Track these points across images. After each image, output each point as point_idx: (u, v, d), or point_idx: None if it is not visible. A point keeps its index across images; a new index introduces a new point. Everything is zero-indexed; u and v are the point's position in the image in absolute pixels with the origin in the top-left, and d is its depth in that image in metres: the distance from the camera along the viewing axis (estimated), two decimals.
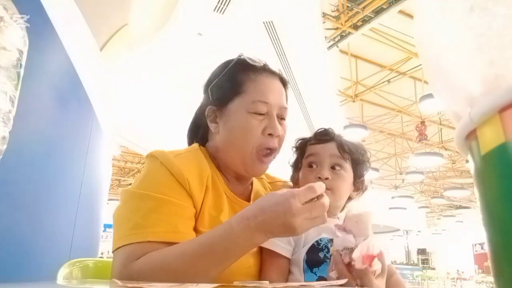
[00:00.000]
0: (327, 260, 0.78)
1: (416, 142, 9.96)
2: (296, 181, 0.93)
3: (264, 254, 0.83)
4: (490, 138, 0.25)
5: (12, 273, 1.56)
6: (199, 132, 0.95)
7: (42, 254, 1.86)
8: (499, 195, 0.24)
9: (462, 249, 20.53)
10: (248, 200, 0.91)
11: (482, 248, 18.67)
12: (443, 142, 10.08)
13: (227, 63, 0.89)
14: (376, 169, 10.77)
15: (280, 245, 0.81)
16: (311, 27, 5.29)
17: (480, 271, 17.68)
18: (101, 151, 2.74)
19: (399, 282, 0.92)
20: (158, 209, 0.73)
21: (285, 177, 1.06)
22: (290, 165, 0.96)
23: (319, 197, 0.65)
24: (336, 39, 5.85)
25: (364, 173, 0.94)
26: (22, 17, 1.14)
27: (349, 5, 5.46)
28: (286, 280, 0.80)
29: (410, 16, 5.63)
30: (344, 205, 0.94)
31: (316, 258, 0.79)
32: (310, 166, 0.89)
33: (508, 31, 0.24)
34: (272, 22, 4.81)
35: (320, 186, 0.66)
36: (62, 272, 0.91)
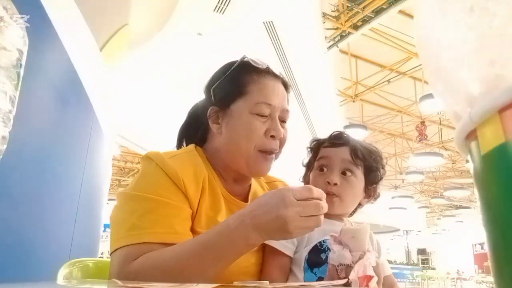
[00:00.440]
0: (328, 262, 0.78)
1: (416, 142, 9.96)
2: (307, 182, 0.93)
3: (266, 252, 0.83)
4: (490, 138, 0.25)
5: (12, 273, 1.56)
6: (197, 133, 0.95)
7: (42, 254, 1.86)
8: (499, 195, 0.24)
9: (462, 249, 20.54)
10: (246, 200, 0.91)
11: (482, 248, 18.67)
12: (443, 142, 10.08)
13: (230, 64, 0.89)
14: None
15: (282, 243, 0.81)
16: (311, 27, 5.29)
17: (480, 271, 17.68)
18: (101, 151, 2.74)
19: None
20: (154, 210, 0.73)
21: (283, 177, 1.06)
22: (303, 165, 0.96)
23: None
24: (336, 39, 5.85)
25: (377, 180, 0.91)
26: (22, 17, 1.14)
27: (349, 5, 5.46)
28: (287, 279, 0.81)
29: (410, 16, 5.63)
30: (355, 210, 0.94)
31: (318, 259, 0.79)
32: (321, 169, 0.88)
33: (508, 31, 0.24)
34: (272, 22, 4.81)
35: (318, 191, 0.65)
36: (62, 272, 0.91)
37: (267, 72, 0.87)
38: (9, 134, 1.17)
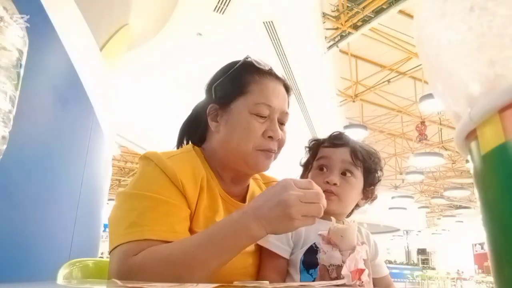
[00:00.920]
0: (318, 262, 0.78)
1: (416, 142, 9.96)
2: None
3: (263, 254, 0.83)
4: (490, 138, 0.25)
5: (12, 273, 1.56)
6: (197, 132, 0.95)
7: (42, 254, 1.86)
8: (499, 195, 0.24)
9: (462, 249, 20.53)
10: (244, 201, 0.91)
11: (482, 248, 18.67)
12: (443, 142, 10.08)
13: (233, 64, 0.89)
14: None
15: (279, 245, 0.81)
16: (311, 27, 5.29)
17: (480, 271, 17.68)
18: (101, 151, 2.74)
19: None
20: (154, 208, 0.73)
21: (283, 177, 1.05)
22: (301, 165, 0.95)
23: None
24: (336, 39, 5.85)
25: (376, 182, 0.92)
26: (22, 17, 1.15)
27: (349, 5, 5.46)
28: (284, 281, 0.80)
29: (410, 16, 5.63)
30: (351, 211, 0.93)
31: (313, 260, 0.78)
32: (321, 169, 0.88)
33: (508, 31, 0.24)
34: (272, 22, 4.81)
35: (318, 186, 0.67)
36: (62, 272, 0.91)
37: (269, 73, 0.87)
38: (9, 134, 1.17)
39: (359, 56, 7.25)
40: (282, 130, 0.87)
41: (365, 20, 5.46)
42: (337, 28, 5.70)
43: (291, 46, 5.36)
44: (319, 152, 0.91)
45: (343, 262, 0.68)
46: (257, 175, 1.00)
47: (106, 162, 3.00)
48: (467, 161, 0.29)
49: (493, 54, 0.25)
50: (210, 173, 0.86)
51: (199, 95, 0.97)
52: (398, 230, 20.48)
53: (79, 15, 2.27)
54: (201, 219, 0.78)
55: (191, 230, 0.77)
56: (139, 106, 6.77)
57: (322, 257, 0.71)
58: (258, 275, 0.82)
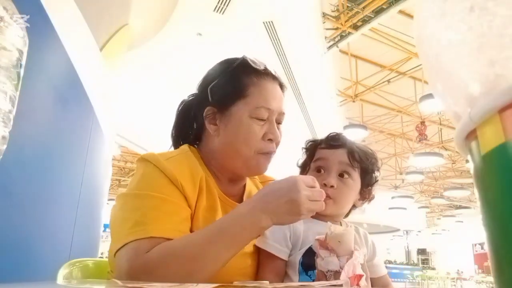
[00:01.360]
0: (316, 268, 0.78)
1: (416, 142, 9.96)
2: None
3: (261, 256, 0.83)
4: (490, 138, 0.25)
5: (12, 273, 1.56)
6: (191, 132, 0.93)
7: (42, 254, 1.86)
8: (499, 195, 0.24)
9: (462, 249, 20.52)
10: (240, 201, 0.90)
11: (482, 248, 18.67)
12: (443, 142, 10.08)
13: (228, 63, 0.88)
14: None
15: (277, 247, 0.81)
16: (311, 27, 5.29)
17: (480, 271, 17.68)
18: (101, 151, 2.74)
19: None
20: (158, 207, 0.73)
21: (282, 177, 1.05)
22: (298, 166, 0.95)
23: None
24: (336, 39, 5.85)
25: (373, 182, 0.92)
26: (22, 17, 1.14)
27: (349, 5, 5.46)
28: (283, 282, 0.80)
29: (410, 16, 5.63)
30: (349, 212, 0.93)
31: (312, 262, 0.78)
32: (318, 170, 0.88)
33: (508, 31, 0.24)
34: (272, 22, 4.81)
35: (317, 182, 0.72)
36: (62, 272, 0.92)
37: (266, 73, 0.86)
38: (9, 134, 1.17)
39: (359, 56, 7.25)
40: (278, 129, 0.87)
41: (365, 20, 5.46)
42: (337, 28, 5.70)
43: (291, 46, 5.36)
44: (316, 153, 0.91)
45: (341, 267, 0.68)
46: None
47: (106, 162, 3.00)
48: (467, 161, 0.29)
49: (493, 54, 0.25)
50: (207, 173, 0.86)
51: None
52: (398, 230, 20.48)
53: (79, 15, 2.27)
54: (201, 219, 0.78)
55: (191, 231, 0.76)
56: (139, 106, 6.77)
57: (319, 263, 0.71)
58: (257, 277, 0.82)
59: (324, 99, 7.23)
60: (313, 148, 0.93)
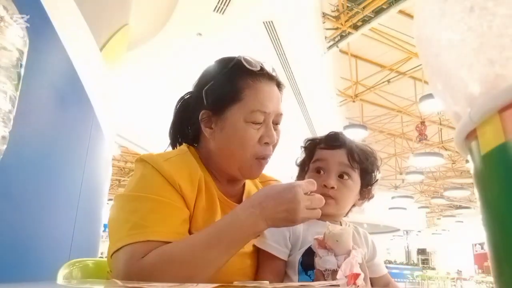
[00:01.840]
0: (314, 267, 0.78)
1: (416, 142, 9.96)
2: None
3: (260, 256, 0.82)
4: (490, 138, 0.25)
5: (12, 273, 1.56)
6: (189, 132, 0.93)
7: (42, 254, 1.86)
8: (499, 195, 0.24)
9: (462, 249, 20.52)
10: (240, 201, 0.89)
11: (482, 248, 18.66)
12: (443, 142, 10.08)
13: (223, 65, 0.86)
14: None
15: (276, 247, 0.80)
16: (311, 27, 5.29)
17: (480, 271, 17.68)
18: (101, 151, 2.74)
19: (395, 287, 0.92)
20: (156, 210, 0.72)
21: (282, 177, 1.05)
22: (297, 165, 0.94)
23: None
24: (336, 39, 5.85)
25: (373, 182, 0.91)
26: (22, 17, 1.14)
27: (349, 5, 5.46)
28: (282, 282, 0.80)
29: (410, 16, 5.63)
30: (348, 211, 0.93)
31: (312, 262, 0.78)
32: (318, 171, 0.87)
33: (508, 31, 0.24)
34: (272, 22, 4.81)
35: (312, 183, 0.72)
36: (62, 272, 0.92)
37: (262, 74, 0.84)
38: (9, 134, 1.17)
39: (359, 56, 7.25)
40: (276, 129, 0.85)
41: (365, 20, 5.46)
42: (337, 28, 5.70)
43: (291, 46, 5.36)
44: (315, 153, 0.89)
45: (339, 266, 0.68)
46: None
47: (106, 162, 3.00)
48: (467, 161, 0.29)
49: (493, 54, 0.25)
50: (206, 174, 0.85)
51: None
52: (398, 230, 20.47)
53: (79, 15, 2.27)
54: (200, 220, 0.78)
55: (190, 232, 0.76)
56: (139, 106, 6.77)
57: (317, 262, 0.71)
58: (257, 277, 0.81)
59: (324, 99, 7.23)
60: (312, 147, 0.91)
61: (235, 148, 0.81)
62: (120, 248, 0.69)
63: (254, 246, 0.83)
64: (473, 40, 0.26)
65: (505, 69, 0.24)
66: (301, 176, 0.92)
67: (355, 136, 7.29)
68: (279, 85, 0.88)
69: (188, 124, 0.93)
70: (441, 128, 9.81)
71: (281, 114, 0.86)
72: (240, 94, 0.81)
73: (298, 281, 0.78)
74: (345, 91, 7.98)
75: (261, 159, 0.84)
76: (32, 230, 1.81)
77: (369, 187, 0.91)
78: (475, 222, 16.18)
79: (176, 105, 0.96)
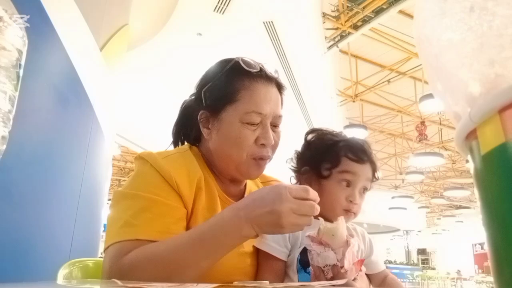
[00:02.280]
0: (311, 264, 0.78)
1: (416, 142, 9.96)
2: (312, 184, 0.86)
3: (260, 256, 0.82)
4: (490, 138, 0.25)
5: (12, 273, 1.56)
6: (191, 133, 0.94)
7: (42, 254, 1.86)
8: (499, 195, 0.24)
9: (462, 249, 20.53)
10: None
11: (482, 248, 18.67)
12: (443, 142, 10.08)
13: (222, 66, 0.86)
14: None
15: (275, 247, 0.80)
16: (311, 27, 5.29)
17: (480, 271, 17.69)
18: (101, 151, 2.74)
19: (394, 279, 0.92)
20: (149, 209, 0.72)
21: (283, 177, 1.05)
22: (307, 159, 0.89)
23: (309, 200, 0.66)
24: (336, 39, 5.85)
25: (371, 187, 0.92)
26: (22, 17, 1.15)
27: (349, 5, 5.46)
28: (282, 282, 0.80)
29: (410, 16, 5.63)
30: None
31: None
32: (346, 184, 0.84)
33: (508, 31, 0.24)
34: (272, 22, 4.81)
35: (314, 193, 0.66)
36: (62, 272, 0.92)
37: (260, 76, 0.83)
38: (9, 134, 1.17)
39: (359, 56, 7.25)
40: (275, 132, 0.85)
41: (365, 20, 5.47)
42: (337, 28, 5.70)
43: (291, 46, 5.36)
44: (343, 162, 0.85)
45: (338, 260, 0.68)
46: None
47: (106, 162, 3.00)
48: (467, 161, 0.29)
49: (493, 54, 0.25)
50: (208, 173, 0.86)
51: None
52: (398, 230, 20.47)
53: (79, 15, 2.27)
54: (200, 219, 0.78)
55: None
56: (139, 106, 6.77)
57: (316, 259, 0.70)
58: (257, 277, 0.81)
59: (324, 99, 7.23)
60: (335, 152, 0.86)
61: (231, 149, 0.81)
62: (110, 245, 0.70)
63: (254, 246, 0.83)
64: (473, 40, 0.26)
65: (505, 69, 0.24)
66: (311, 176, 0.87)
67: (355, 136, 7.28)
68: (279, 87, 0.88)
69: (189, 124, 0.93)
70: (441, 128, 9.82)
71: (279, 116, 0.85)
72: (236, 95, 0.81)
73: (298, 279, 0.78)
74: (345, 91, 7.98)
75: (259, 160, 0.83)
76: (32, 230, 1.81)
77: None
78: (475, 222, 16.19)
79: (182, 105, 0.97)
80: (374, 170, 0.86)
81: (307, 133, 0.95)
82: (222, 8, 4.48)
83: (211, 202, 0.82)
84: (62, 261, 0.96)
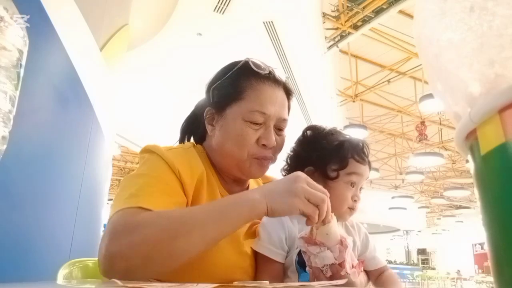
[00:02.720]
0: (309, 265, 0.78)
1: (416, 142, 9.96)
2: (324, 177, 0.86)
3: (258, 259, 0.82)
4: (490, 138, 0.25)
5: (12, 273, 1.57)
6: (198, 131, 0.95)
7: (42, 254, 1.86)
8: (499, 195, 0.24)
9: (462, 249, 20.53)
10: None
11: (482, 248, 18.67)
12: (443, 142, 10.08)
13: (232, 65, 0.88)
14: (376, 169, 10.77)
15: (272, 249, 0.80)
16: (311, 27, 5.29)
17: (480, 271, 17.69)
18: (101, 151, 2.74)
19: (391, 275, 0.92)
20: (154, 184, 0.73)
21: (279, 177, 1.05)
22: (311, 160, 0.88)
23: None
24: (336, 39, 5.85)
25: None
26: (22, 17, 1.15)
27: (349, 5, 5.46)
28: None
29: (410, 16, 5.63)
30: None
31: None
32: (351, 185, 0.87)
33: (508, 31, 0.24)
34: (272, 22, 4.81)
35: (327, 192, 0.69)
36: (62, 272, 0.92)
37: (267, 77, 0.85)
38: (9, 134, 1.17)
39: (359, 56, 7.26)
40: (280, 135, 0.86)
41: (365, 20, 5.47)
42: (337, 28, 5.70)
43: (291, 46, 5.36)
44: (350, 164, 0.86)
45: (335, 259, 0.67)
46: None
47: (106, 162, 3.00)
48: (467, 161, 0.29)
49: (493, 54, 0.25)
50: (211, 171, 0.86)
51: (199, 95, 0.97)
52: (398, 230, 20.47)
53: (79, 15, 2.27)
54: None
55: None
56: (139, 106, 6.77)
57: (313, 260, 0.69)
58: (255, 279, 0.82)
59: (324, 99, 7.23)
60: (343, 153, 0.86)
61: (232, 146, 0.82)
62: (114, 214, 0.69)
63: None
64: (473, 40, 0.26)
65: (505, 69, 0.24)
66: (317, 177, 0.86)
67: (355, 136, 7.28)
68: (288, 92, 0.89)
69: (197, 123, 0.95)
70: (441, 128, 9.82)
71: (284, 120, 0.86)
72: (242, 93, 0.83)
73: (299, 279, 0.78)
74: (345, 91, 7.98)
75: (261, 159, 0.83)
76: (32, 230, 1.81)
77: None
78: (475, 222, 16.20)
79: (196, 103, 0.99)
80: (370, 169, 0.91)
81: (306, 131, 0.94)
82: (222, 8, 4.48)
83: (212, 199, 0.82)
84: (62, 261, 0.96)
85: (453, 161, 12.04)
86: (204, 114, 0.88)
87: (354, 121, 8.87)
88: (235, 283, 0.71)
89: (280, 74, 0.88)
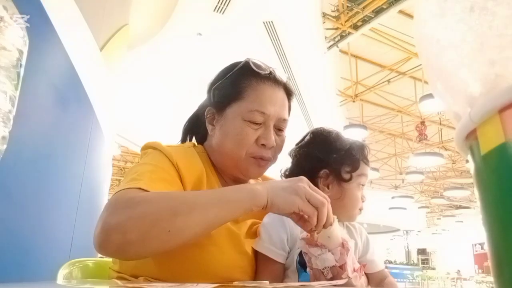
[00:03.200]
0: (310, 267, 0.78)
1: (416, 142, 9.96)
2: (333, 187, 0.87)
3: (258, 259, 0.82)
4: (490, 138, 0.25)
5: (12, 273, 1.57)
6: (200, 131, 0.95)
7: (42, 254, 1.86)
8: (499, 195, 0.24)
9: (462, 249, 20.53)
10: None
11: (482, 248, 18.67)
12: (443, 142, 10.08)
13: (233, 66, 0.89)
14: (376, 169, 10.77)
15: (273, 250, 0.80)
16: (311, 27, 5.29)
17: (480, 271, 17.69)
18: (101, 151, 2.74)
19: (391, 284, 0.92)
20: (154, 172, 0.74)
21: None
22: (326, 162, 0.87)
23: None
24: (336, 39, 5.85)
25: None
26: (22, 17, 1.15)
27: (349, 5, 5.46)
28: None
29: (410, 16, 5.63)
30: None
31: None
32: (361, 186, 0.90)
33: (508, 31, 0.24)
34: (272, 22, 4.82)
35: (327, 199, 0.69)
36: (62, 272, 0.92)
37: (268, 78, 0.85)
38: (9, 134, 1.17)
39: (359, 56, 7.25)
40: (279, 136, 0.86)
41: (365, 20, 5.47)
42: (337, 28, 5.70)
43: (291, 46, 5.37)
44: (361, 167, 0.87)
45: (336, 261, 0.68)
46: None
47: (106, 162, 3.00)
48: (467, 161, 0.29)
49: (493, 54, 0.25)
50: (211, 171, 0.87)
51: (199, 95, 0.97)
52: (398, 230, 20.46)
53: (79, 15, 2.27)
54: None
55: None
56: (139, 106, 6.77)
57: (314, 262, 0.69)
58: (255, 279, 0.82)
59: (324, 99, 7.23)
60: (354, 154, 0.87)
61: (231, 145, 0.83)
62: (114, 194, 0.68)
63: (253, 248, 0.83)
64: (473, 40, 0.26)
65: (505, 69, 0.24)
66: (332, 180, 0.87)
67: (355, 136, 7.29)
68: (288, 93, 0.89)
69: (199, 123, 0.95)
70: (441, 128, 9.82)
71: (284, 120, 0.86)
72: (242, 93, 0.83)
73: (299, 279, 0.78)
74: (345, 91, 7.98)
75: (259, 159, 0.84)
76: (32, 230, 1.81)
77: None
78: (475, 222, 16.19)
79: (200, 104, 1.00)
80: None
81: (314, 134, 0.94)
82: (222, 8, 4.48)
83: None
84: (62, 261, 0.96)
85: (453, 161, 12.04)
86: (205, 114, 0.89)
87: (354, 121, 8.87)
88: (235, 283, 0.71)
89: (281, 74, 0.88)
